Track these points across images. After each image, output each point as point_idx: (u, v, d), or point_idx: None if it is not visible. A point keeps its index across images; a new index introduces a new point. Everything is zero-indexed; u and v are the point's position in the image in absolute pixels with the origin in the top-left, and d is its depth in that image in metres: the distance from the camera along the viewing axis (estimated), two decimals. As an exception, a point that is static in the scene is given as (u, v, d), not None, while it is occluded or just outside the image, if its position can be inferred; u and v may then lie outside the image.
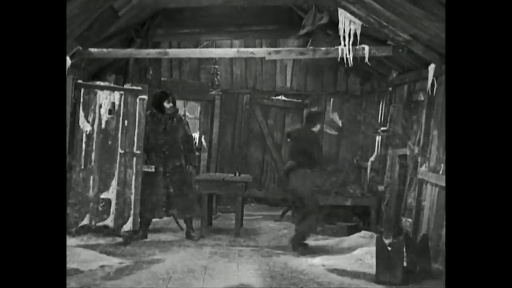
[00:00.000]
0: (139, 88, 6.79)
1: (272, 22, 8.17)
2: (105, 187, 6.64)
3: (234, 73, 9.58)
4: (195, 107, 9.62)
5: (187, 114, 9.43)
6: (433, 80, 5.93)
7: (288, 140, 7.02)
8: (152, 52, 6.90)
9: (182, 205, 6.98)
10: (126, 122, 6.67)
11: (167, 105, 6.98)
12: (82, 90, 6.59)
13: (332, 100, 9.55)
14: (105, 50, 6.52)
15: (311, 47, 6.55)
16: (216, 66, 9.26)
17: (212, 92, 9.27)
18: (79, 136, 6.56)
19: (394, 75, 7.67)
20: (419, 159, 6.35)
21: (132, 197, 6.65)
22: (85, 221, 6.60)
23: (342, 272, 5.43)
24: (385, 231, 7.26)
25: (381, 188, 7.73)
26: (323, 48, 6.37)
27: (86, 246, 6.14)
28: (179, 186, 6.94)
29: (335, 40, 6.35)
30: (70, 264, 5.22)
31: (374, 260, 5.18)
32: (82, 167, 6.59)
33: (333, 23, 6.41)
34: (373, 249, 5.36)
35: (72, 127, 6.50)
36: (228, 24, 8.13)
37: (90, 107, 6.60)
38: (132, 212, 6.66)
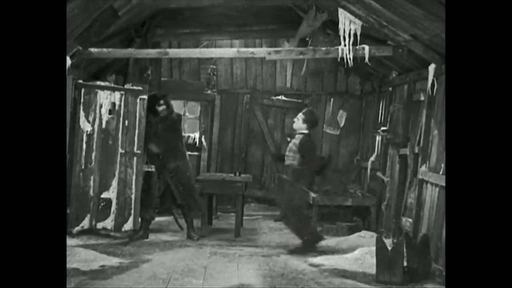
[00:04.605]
0: (139, 88, 6.79)
1: (272, 22, 8.17)
2: (106, 186, 6.65)
3: (234, 73, 9.58)
4: (195, 107, 9.61)
5: (187, 114, 9.43)
6: (433, 80, 5.93)
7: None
8: (152, 52, 6.90)
9: (176, 209, 7.03)
10: (126, 122, 6.68)
11: (159, 107, 6.93)
12: (83, 90, 6.60)
13: (332, 100, 9.56)
14: (105, 50, 6.52)
15: (311, 47, 6.54)
16: (214, 66, 9.25)
17: (209, 92, 9.27)
18: (80, 136, 6.57)
19: (394, 75, 7.67)
20: (419, 159, 6.35)
21: (133, 196, 6.66)
22: (86, 221, 6.61)
23: (342, 272, 5.43)
24: (385, 231, 7.26)
25: (381, 177, 7.71)
26: (323, 48, 6.37)
27: (86, 246, 6.14)
28: (175, 189, 6.93)
29: (335, 40, 6.35)
30: (70, 264, 5.22)
31: (374, 260, 5.18)
32: (83, 167, 6.59)
33: (333, 23, 6.41)
34: (373, 249, 5.36)
35: (73, 127, 6.51)
36: (228, 24, 8.12)
37: (91, 107, 6.61)
38: (132, 211, 6.66)
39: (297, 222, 6.56)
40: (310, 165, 6.48)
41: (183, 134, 7.97)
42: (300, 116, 6.68)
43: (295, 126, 6.77)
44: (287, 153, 6.79)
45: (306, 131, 6.58)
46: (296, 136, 6.66)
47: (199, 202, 7.09)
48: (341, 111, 9.51)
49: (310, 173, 6.57)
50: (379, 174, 7.81)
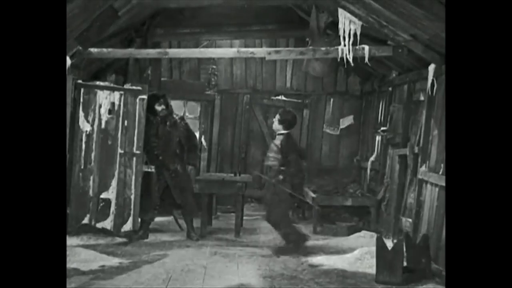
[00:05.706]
0: (139, 88, 6.79)
1: (272, 22, 8.18)
2: (105, 187, 6.64)
3: (234, 73, 9.57)
4: (195, 107, 9.60)
5: (187, 114, 9.43)
6: (433, 80, 5.93)
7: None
8: (152, 52, 6.90)
9: (176, 209, 7.03)
10: (126, 122, 6.67)
11: (158, 107, 6.92)
12: (82, 90, 6.59)
13: (332, 100, 9.56)
14: (105, 50, 6.52)
15: (311, 47, 6.54)
16: (214, 66, 9.25)
17: (209, 92, 9.28)
18: (79, 136, 6.57)
19: (394, 75, 7.67)
20: (419, 159, 6.35)
21: (132, 197, 6.66)
22: (85, 221, 6.60)
23: (342, 272, 5.43)
24: (385, 231, 7.25)
25: (379, 189, 7.73)
26: (323, 48, 6.36)
27: (86, 246, 6.14)
28: (174, 191, 6.93)
29: (335, 40, 6.35)
30: (70, 264, 5.22)
31: (374, 260, 5.18)
32: (82, 167, 6.59)
33: (333, 23, 6.41)
34: (373, 249, 5.36)
35: (72, 127, 6.50)
36: (228, 24, 8.14)
37: (90, 107, 6.61)
38: (132, 212, 6.66)
39: (280, 223, 6.52)
40: (291, 165, 6.41)
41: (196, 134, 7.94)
42: (276, 116, 6.67)
43: (273, 127, 6.75)
44: (267, 153, 6.75)
45: (284, 131, 6.55)
46: (277, 137, 6.63)
47: (198, 203, 7.09)
48: (351, 117, 9.47)
49: (292, 174, 6.46)
50: (386, 181, 7.78)
